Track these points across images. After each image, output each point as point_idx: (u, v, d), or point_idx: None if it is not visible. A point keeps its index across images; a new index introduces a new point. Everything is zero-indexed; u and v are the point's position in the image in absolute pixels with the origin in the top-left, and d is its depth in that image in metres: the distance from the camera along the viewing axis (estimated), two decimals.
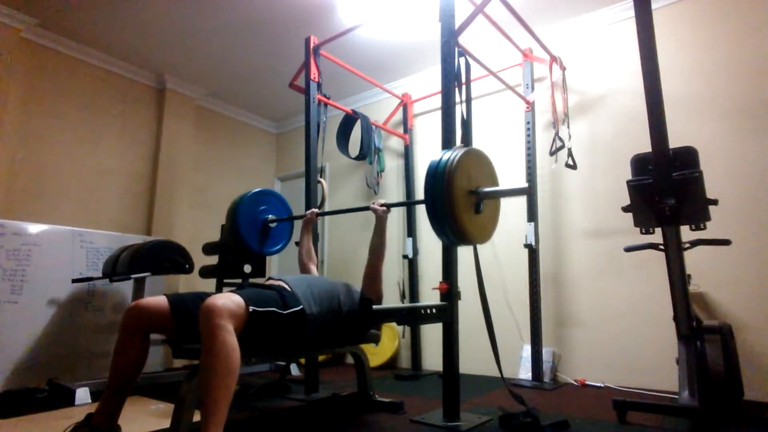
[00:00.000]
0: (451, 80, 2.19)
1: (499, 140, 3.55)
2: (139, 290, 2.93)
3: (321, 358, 3.28)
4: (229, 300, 1.48)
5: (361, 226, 4.24)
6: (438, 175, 1.74)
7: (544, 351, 2.97)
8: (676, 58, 2.89)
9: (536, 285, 3.01)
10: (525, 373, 3.01)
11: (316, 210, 2.58)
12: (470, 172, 1.81)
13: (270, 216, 2.71)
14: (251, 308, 1.53)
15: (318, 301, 1.82)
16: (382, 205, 2.21)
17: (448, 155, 1.77)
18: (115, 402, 1.59)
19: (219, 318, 1.40)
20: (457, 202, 1.71)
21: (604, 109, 3.14)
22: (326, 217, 4.50)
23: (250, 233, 2.61)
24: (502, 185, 1.98)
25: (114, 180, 3.83)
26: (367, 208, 2.29)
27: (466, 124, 2.23)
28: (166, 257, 2.96)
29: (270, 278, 1.92)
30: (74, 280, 3.03)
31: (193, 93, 4.38)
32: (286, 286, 1.80)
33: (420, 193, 3.90)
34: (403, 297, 3.80)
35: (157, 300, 1.66)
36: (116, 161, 3.86)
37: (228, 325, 1.41)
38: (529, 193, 3.06)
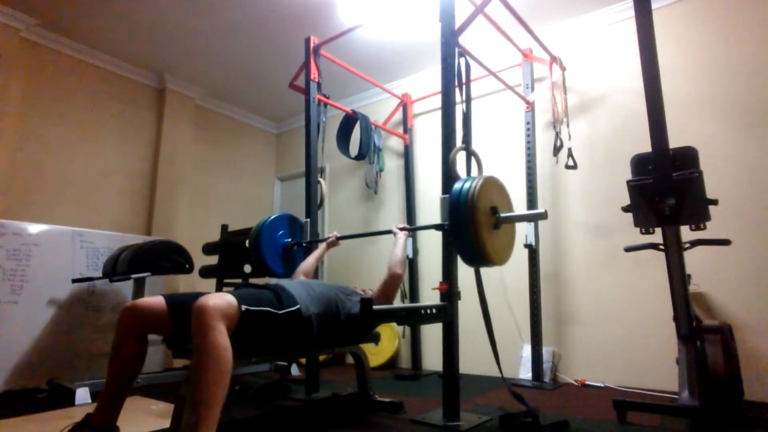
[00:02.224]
0: (451, 80, 2.19)
1: (499, 140, 3.55)
2: (139, 290, 2.93)
3: (321, 358, 3.28)
4: (221, 299, 1.46)
5: (361, 228, 4.24)
6: (464, 192, 1.88)
7: (544, 351, 2.97)
8: (676, 58, 2.89)
9: (536, 285, 3.01)
10: (525, 373, 3.01)
11: (337, 233, 2.65)
12: (492, 196, 1.96)
13: (290, 240, 2.78)
14: (244, 307, 1.52)
15: (315, 303, 1.82)
16: (402, 229, 2.36)
17: (469, 183, 1.91)
18: (113, 402, 1.58)
19: (210, 318, 1.39)
20: (480, 218, 1.82)
21: (604, 109, 3.14)
22: (326, 221, 4.50)
23: (273, 257, 2.70)
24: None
25: (114, 180, 3.83)
26: (388, 232, 2.44)
27: (466, 124, 2.23)
28: (166, 257, 2.96)
29: (267, 284, 1.93)
30: (74, 280, 3.03)
31: (192, 93, 4.38)
32: (284, 287, 1.80)
33: (420, 193, 3.91)
34: (403, 297, 3.80)
35: (154, 300, 1.64)
36: (116, 161, 3.86)
37: (219, 325, 1.40)
38: (532, 198, 3.08)
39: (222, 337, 1.39)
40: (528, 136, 3.16)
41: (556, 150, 3.06)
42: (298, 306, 1.73)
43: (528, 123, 3.17)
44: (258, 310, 1.58)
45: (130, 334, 1.60)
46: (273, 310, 1.64)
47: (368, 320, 1.87)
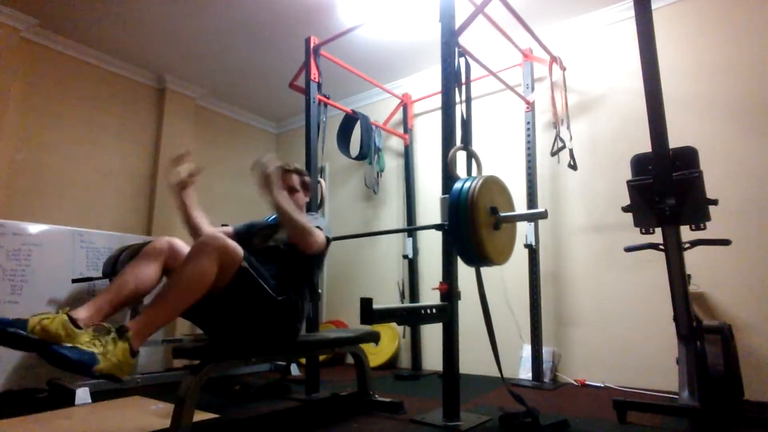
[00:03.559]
0: (451, 80, 2.19)
1: (499, 140, 3.55)
2: None
3: (321, 358, 3.28)
4: (232, 243, 1.57)
5: (360, 226, 4.24)
6: (463, 192, 1.87)
7: (544, 351, 2.97)
8: (676, 58, 2.89)
9: (536, 285, 3.01)
10: (525, 373, 3.01)
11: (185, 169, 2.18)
12: (492, 195, 1.96)
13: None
14: (245, 263, 1.62)
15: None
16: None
17: (469, 183, 1.91)
18: (106, 309, 1.47)
19: (211, 246, 1.51)
20: (479, 218, 1.82)
21: (604, 109, 3.14)
22: (327, 218, 4.50)
23: None
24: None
25: (114, 180, 3.83)
26: (387, 232, 2.38)
27: (466, 124, 2.23)
28: None
29: None
30: (74, 280, 3.03)
31: (192, 93, 4.38)
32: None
33: (420, 193, 3.91)
34: (403, 297, 3.80)
35: (186, 246, 1.70)
36: (116, 161, 3.86)
37: (214, 256, 1.50)
38: (532, 198, 3.08)
39: (211, 263, 1.49)
40: (528, 136, 3.16)
41: (554, 151, 3.05)
42: (290, 294, 1.83)
43: (528, 123, 3.17)
44: (255, 277, 1.66)
45: (158, 262, 1.66)
46: (270, 290, 1.72)
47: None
